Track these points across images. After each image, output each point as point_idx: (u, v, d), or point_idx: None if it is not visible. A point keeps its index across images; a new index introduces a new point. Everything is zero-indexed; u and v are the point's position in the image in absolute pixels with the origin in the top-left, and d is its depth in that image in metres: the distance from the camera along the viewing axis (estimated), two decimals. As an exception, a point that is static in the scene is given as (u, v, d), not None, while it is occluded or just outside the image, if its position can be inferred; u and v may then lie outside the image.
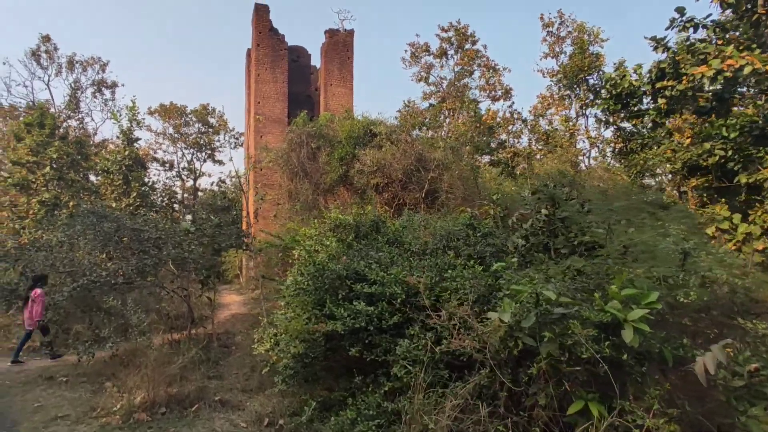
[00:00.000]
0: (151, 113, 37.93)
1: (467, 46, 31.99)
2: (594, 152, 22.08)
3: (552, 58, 28.01)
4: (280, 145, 19.21)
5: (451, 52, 32.74)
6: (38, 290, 9.68)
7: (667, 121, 13.33)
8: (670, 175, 18.20)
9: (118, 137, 21.77)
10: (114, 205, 19.34)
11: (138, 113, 21.51)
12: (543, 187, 8.61)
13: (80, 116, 28.68)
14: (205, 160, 41.90)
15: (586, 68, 22.20)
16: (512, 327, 5.12)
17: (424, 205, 16.64)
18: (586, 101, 22.56)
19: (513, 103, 29.65)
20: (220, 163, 42.36)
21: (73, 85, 28.04)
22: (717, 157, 10.96)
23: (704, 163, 11.79)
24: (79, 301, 9.14)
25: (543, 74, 28.37)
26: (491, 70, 31.02)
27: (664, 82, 11.31)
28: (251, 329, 13.49)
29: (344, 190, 18.73)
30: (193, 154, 41.13)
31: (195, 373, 8.53)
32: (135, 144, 21.90)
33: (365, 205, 17.13)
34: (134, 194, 19.83)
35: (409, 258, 8.04)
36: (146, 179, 22.33)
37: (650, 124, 13.71)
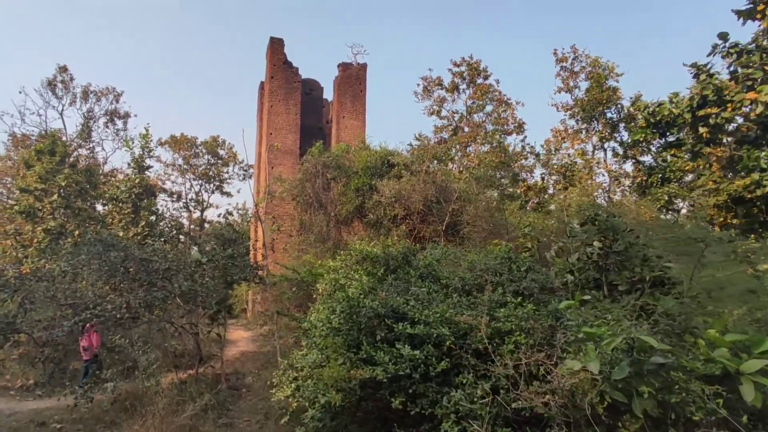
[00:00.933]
0: (161, 144, 37.89)
1: (479, 80, 32.10)
2: (613, 186, 21.48)
3: (566, 92, 27.89)
4: (294, 176, 18.68)
5: (462, 86, 32.86)
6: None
7: (705, 151, 12.72)
8: (691, 207, 17.47)
9: (129, 165, 21.42)
10: (121, 234, 18.69)
11: (151, 141, 21.24)
12: (595, 216, 7.90)
13: (91, 145, 28.57)
14: (213, 192, 41.60)
15: (604, 101, 21.91)
16: (596, 378, 4.30)
17: (445, 238, 15.90)
18: (605, 135, 22.16)
19: (525, 137, 29.37)
20: (228, 194, 42.02)
21: (86, 114, 28.06)
22: (766, 189, 10.27)
23: (750, 195, 11.09)
24: (79, 336, 8.29)
25: (557, 108, 28.18)
26: (503, 105, 30.95)
27: (707, 110, 10.77)
28: (263, 369, 12.52)
29: (359, 223, 18.07)
30: (201, 186, 40.87)
31: (206, 423, 7.58)
32: (146, 172, 21.49)
33: (383, 237, 16.43)
34: (143, 223, 19.21)
35: (449, 295, 7.26)
36: (155, 208, 21.81)
37: (687, 155, 13.06)
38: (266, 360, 12.95)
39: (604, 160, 22.65)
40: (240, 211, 46.91)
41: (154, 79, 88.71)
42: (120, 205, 19.71)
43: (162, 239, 18.12)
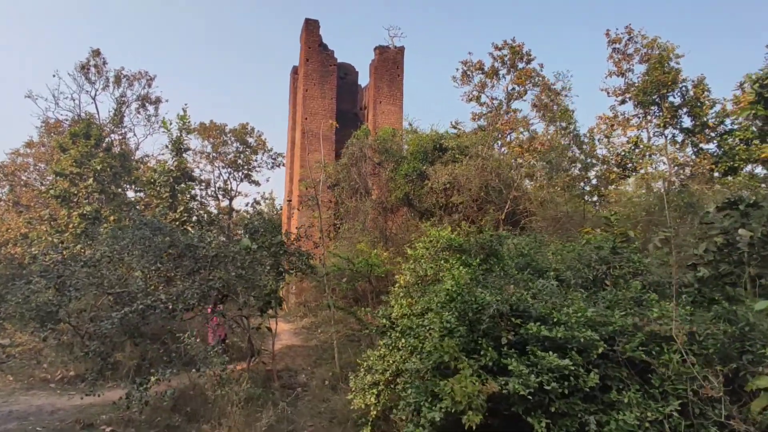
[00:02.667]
0: (189, 132, 37.27)
1: (521, 65, 30.45)
2: (680, 174, 19.80)
3: (619, 76, 26.09)
4: (330, 162, 17.62)
5: (503, 71, 31.26)
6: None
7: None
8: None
9: (166, 147, 20.71)
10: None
11: (189, 122, 20.44)
12: (737, 201, 6.59)
13: (123, 131, 28.09)
14: (241, 180, 40.98)
15: (669, 83, 20.19)
16: None
17: (504, 228, 14.66)
18: (668, 119, 20.47)
19: (569, 125, 27.64)
20: (257, 183, 41.33)
21: (118, 99, 27.55)
22: None
23: None
24: (128, 329, 7.40)
25: (608, 93, 26.43)
26: (548, 90, 29.27)
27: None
28: (315, 367, 11.56)
29: (407, 211, 16.95)
30: (229, 174, 40.29)
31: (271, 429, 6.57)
32: (184, 155, 20.76)
33: (437, 226, 15.28)
34: (181, 208, 18.49)
35: (565, 290, 6.08)
36: (193, 192, 21.11)
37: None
38: (317, 356, 11.99)
39: (665, 147, 20.93)
40: (267, 201, 46.31)
41: (184, 65, 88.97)
42: (157, 189, 19.02)
43: (202, 225, 17.29)
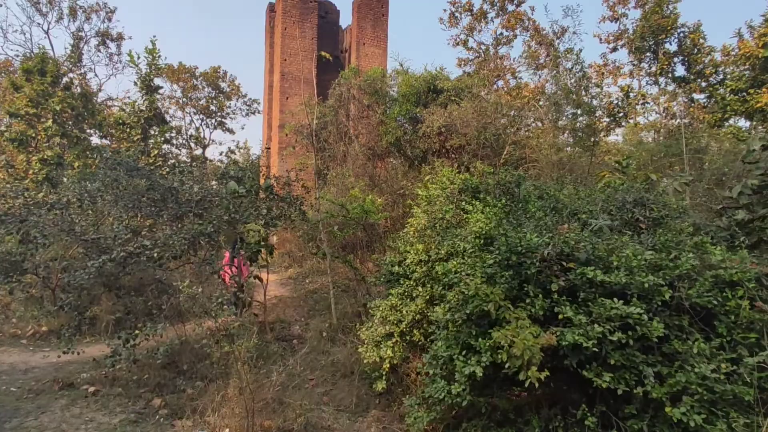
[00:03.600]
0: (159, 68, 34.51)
1: (510, 7, 29.01)
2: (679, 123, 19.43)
3: (612, 21, 25.12)
4: (326, 102, 16.45)
5: (492, 14, 29.77)
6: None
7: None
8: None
9: (135, 84, 18.87)
10: None
11: (159, 57, 18.60)
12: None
13: (83, 71, 25.64)
14: (215, 128, 38.91)
15: (669, 28, 19.45)
16: None
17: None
18: (665, 67, 19.89)
19: (556, 72, 26.73)
20: (231, 131, 39.40)
21: (75, 34, 24.93)
22: None
23: None
24: (107, 280, 6.57)
25: (600, 40, 25.55)
26: (538, 35, 28.08)
27: None
28: (309, 318, 11.04)
29: (398, 156, 16.13)
30: (202, 121, 38.13)
31: (295, 393, 6.01)
32: (156, 93, 19.03)
33: (432, 171, 14.60)
34: (155, 152, 17.08)
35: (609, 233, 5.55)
36: (169, 135, 19.59)
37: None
38: (309, 307, 11.46)
39: (669, 93, 20.40)
40: (242, 150, 44.52)
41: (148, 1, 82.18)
42: (127, 131, 17.44)
43: (177, 171, 16.09)
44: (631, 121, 21.04)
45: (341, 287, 11.91)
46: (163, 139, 18.29)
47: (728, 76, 20.27)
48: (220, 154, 39.87)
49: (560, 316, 4.09)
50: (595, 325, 3.77)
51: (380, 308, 6.80)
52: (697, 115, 19.22)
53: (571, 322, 3.92)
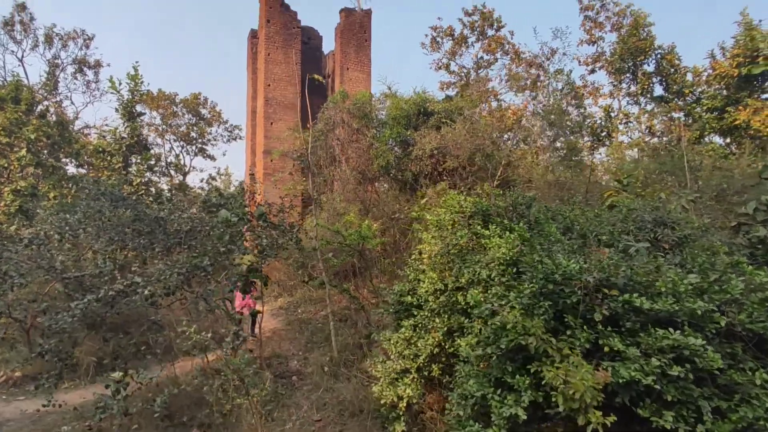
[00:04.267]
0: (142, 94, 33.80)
1: (490, 32, 29.62)
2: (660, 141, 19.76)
3: (590, 44, 25.83)
4: (315, 126, 16.15)
5: (472, 39, 30.32)
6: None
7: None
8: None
9: (116, 110, 18.25)
10: None
11: (141, 83, 18.10)
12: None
13: (58, 98, 24.88)
14: (195, 155, 38.19)
15: (647, 49, 20.01)
16: None
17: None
18: (647, 87, 20.38)
19: (537, 95, 27.21)
20: (212, 158, 38.70)
21: (51, 61, 24.25)
22: None
23: None
24: (92, 320, 5.98)
25: (579, 62, 26.16)
26: (518, 59, 28.66)
27: None
28: (306, 351, 10.45)
29: (389, 180, 15.89)
30: (182, 148, 37.40)
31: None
32: (138, 119, 18.44)
33: (417, 195, 14.35)
34: (137, 181, 16.37)
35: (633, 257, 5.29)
36: (151, 163, 18.92)
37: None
38: (306, 339, 10.87)
39: (648, 113, 20.84)
40: (223, 176, 43.89)
41: (127, 27, 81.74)
42: (108, 159, 16.74)
43: (161, 200, 15.42)
44: (614, 140, 21.35)
45: (338, 317, 11.41)
46: (146, 166, 17.65)
47: (703, 96, 20.89)
48: (201, 180, 38.99)
49: (606, 349, 3.76)
50: (652, 359, 3.44)
51: (392, 341, 6.38)
52: (678, 132, 19.61)
53: (621, 356, 3.59)
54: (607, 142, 22.02)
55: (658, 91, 22.32)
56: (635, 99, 21.74)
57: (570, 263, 4.08)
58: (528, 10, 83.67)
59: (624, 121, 20.93)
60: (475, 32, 29.93)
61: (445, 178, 14.74)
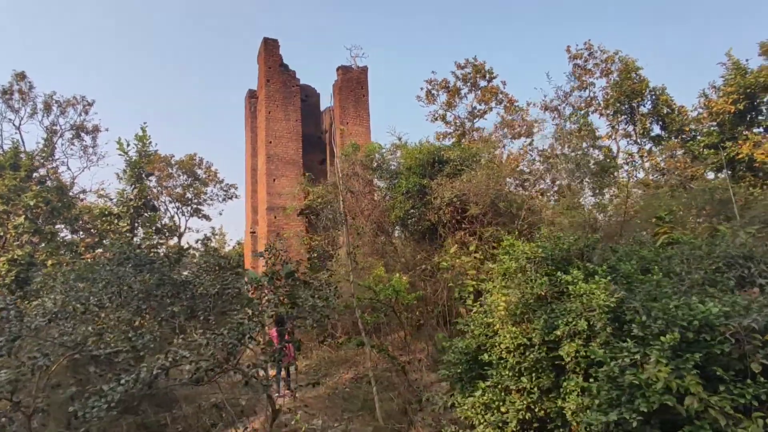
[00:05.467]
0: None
1: (482, 83, 30.55)
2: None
3: (581, 90, 26.70)
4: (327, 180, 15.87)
5: (464, 90, 31.20)
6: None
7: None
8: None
9: (124, 172, 17.76)
10: None
11: (150, 143, 17.80)
12: None
13: (54, 165, 24.44)
14: (191, 215, 37.59)
15: (643, 91, 20.60)
16: None
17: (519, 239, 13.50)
18: (647, 127, 20.81)
19: (532, 140, 27.72)
20: (207, 218, 38.08)
21: (49, 128, 24.06)
22: None
23: None
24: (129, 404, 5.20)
25: (573, 107, 26.88)
26: (512, 107, 29.41)
27: None
28: (344, 421, 9.49)
29: (404, 230, 15.48)
30: (178, 209, 36.81)
31: None
32: (146, 180, 18.01)
33: (442, 246, 13.92)
34: (146, 243, 15.71)
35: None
36: (160, 224, 18.34)
37: None
38: (342, 407, 9.91)
39: (644, 153, 21.15)
40: (217, 236, 43.18)
41: (121, 92, 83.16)
42: (115, 222, 16.10)
43: (170, 263, 14.69)
44: (618, 179, 21.46)
45: (368, 380, 10.54)
46: (154, 228, 17.07)
47: (699, 133, 21.39)
48: (196, 242, 38.15)
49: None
50: None
51: (466, 406, 5.68)
52: (682, 169, 19.82)
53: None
54: (612, 183, 22.19)
55: (656, 130, 22.90)
56: (634, 140, 22.14)
57: (710, 307, 3.58)
58: (516, 61, 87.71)
59: (628, 160, 21.15)
60: (468, 83, 30.84)
61: (464, 226, 14.39)
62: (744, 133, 19.33)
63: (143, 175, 17.56)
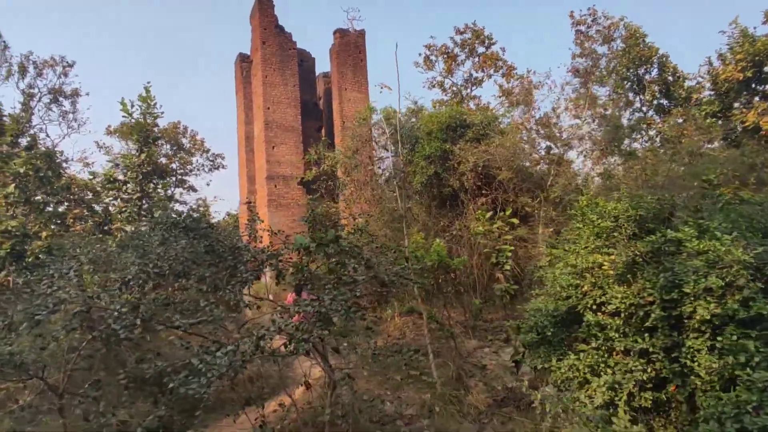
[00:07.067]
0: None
1: (481, 49, 29.90)
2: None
3: (582, 58, 26.38)
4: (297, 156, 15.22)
5: (462, 56, 30.51)
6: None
7: None
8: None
9: (130, 135, 16.62)
10: (128, 228, 14.29)
11: (155, 105, 16.63)
12: None
13: (33, 131, 22.78)
14: (175, 186, 36.16)
15: (653, 57, 20.47)
16: None
17: (543, 208, 13.37)
18: (656, 95, 20.78)
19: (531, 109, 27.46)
20: (193, 189, 36.64)
21: (26, 91, 22.30)
22: None
23: None
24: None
25: (576, 74, 26.62)
26: (511, 74, 28.96)
27: None
28: (394, 389, 9.29)
29: (426, 197, 15.12)
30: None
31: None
32: (154, 145, 16.92)
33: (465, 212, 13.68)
34: (158, 212, 14.81)
35: None
36: (170, 192, 17.45)
37: None
38: (385, 377, 9.66)
39: (651, 122, 21.21)
40: (201, 207, 41.98)
41: (101, 54, 78.47)
42: (123, 188, 15.10)
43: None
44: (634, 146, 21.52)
45: (411, 347, 10.34)
46: (166, 195, 16.18)
47: (701, 101, 21.53)
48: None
49: None
50: None
51: (563, 369, 5.51)
52: (690, 138, 19.97)
53: None
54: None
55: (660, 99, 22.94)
56: (643, 107, 22.13)
57: None
58: (517, 28, 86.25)
59: (635, 127, 21.16)
60: (466, 50, 30.13)
61: (484, 191, 14.14)
62: (744, 101, 19.56)
63: (150, 139, 16.45)
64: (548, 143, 14.24)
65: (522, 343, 7.11)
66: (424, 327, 8.96)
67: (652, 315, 4.86)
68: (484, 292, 11.77)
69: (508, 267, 10.84)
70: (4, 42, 21.81)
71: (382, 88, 12.05)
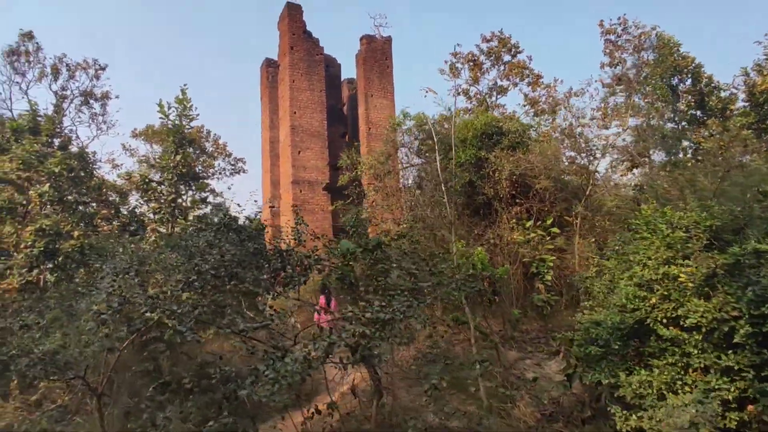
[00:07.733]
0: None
1: (506, 57, 29.70)
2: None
3: (612, 67, 26.06)
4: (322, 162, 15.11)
5: (487, 64, 30.33)
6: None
7: None
8: None
9: (165, 137, 16.79)
10: (162, 230, 14.37)
11: (190, 107, 16.76)
12: None
13: (63, 132, 23.12)
14: (197, 190, 36.39)
15: (688, 66, 20.06)
16: None
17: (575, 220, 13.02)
18: (692, 105, 20.31)
19: (555, 119, 27.08)
20: (213, 192, 36.65)
21: (59, 93, 22.72)
22: None
23: None
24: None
25: (603, 84, 26.27)
26: (538, 83, 28.67)
27: None
28: (434, 400, 9.05)
29: (460, 204, 14.91)
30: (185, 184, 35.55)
31: None
32: (189, 147, 17.05)
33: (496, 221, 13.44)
34: (194, 214, 14.89)
35: None
36: (205, 194, 17.50)
37: None
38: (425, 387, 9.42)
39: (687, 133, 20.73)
40: (221, 209, 42.13)
41: (130, 58, 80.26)
42: (158, 189, 15.20)
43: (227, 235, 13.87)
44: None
45: (448, 357, 10.09)
46: (201, 199, 16.22)
47: (735, 113, 20.99)
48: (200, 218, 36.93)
49: None
50: None
51: (635, 385, 5.25)
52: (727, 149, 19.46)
53: None
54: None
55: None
56: (676, 117, 21.64)
57: None
58: (545, 37, 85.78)
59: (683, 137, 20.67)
60: (492, 58, 29.96)
61: (519, 200, 13.89)
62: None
63: (185, 141, 16.56)
64: (584, 153, 13.95)
65: (576, 356, 6.84)
66: (464, 336, 8.72)
67: (741, 330, 4.59)
68: (520, 302, 11.51)
69: (549, 277, 10.57)
70: (38, 43, 22.28)
71: (427, 92, 11.71)
